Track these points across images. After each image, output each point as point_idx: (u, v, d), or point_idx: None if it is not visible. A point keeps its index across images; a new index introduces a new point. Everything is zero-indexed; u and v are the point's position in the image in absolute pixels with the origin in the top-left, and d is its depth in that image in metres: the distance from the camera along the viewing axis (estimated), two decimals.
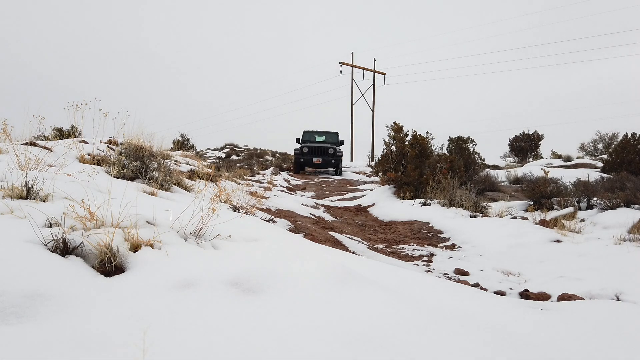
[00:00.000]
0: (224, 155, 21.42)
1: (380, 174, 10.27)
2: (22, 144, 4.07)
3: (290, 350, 1.29)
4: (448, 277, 3.76)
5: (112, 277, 1.73)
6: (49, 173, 3.18)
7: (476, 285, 3.44)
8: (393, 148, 9.27)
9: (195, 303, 1.53)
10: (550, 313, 2.19)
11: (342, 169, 17.31)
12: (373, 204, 8.15)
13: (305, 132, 17.64)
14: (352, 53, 26.67)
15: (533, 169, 11.92)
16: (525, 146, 20.14)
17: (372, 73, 27.57)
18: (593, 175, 10.08)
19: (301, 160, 15.80)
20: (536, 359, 1.51)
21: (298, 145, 16.75)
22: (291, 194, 9.06)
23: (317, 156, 15.81)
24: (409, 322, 1.57)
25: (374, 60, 27.74)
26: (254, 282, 1.71)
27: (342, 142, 17.24)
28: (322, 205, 8.09)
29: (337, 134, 17.69)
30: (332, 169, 16.69)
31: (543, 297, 3.06)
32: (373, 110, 27.43)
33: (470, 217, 6.14)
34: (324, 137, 17.42)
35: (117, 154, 4.77)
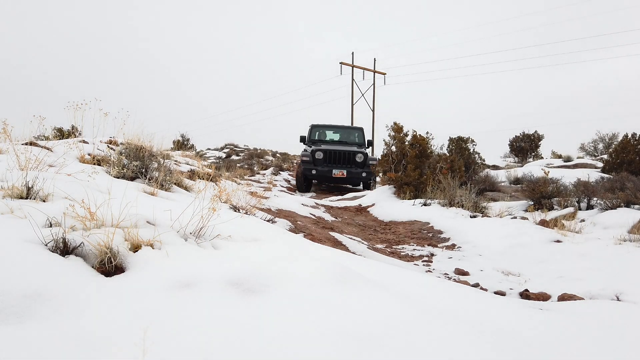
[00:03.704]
0: (224, 155, 21.42)
1: (380, 174, 10.27)
2: (22, 144, 4.07)
3: (290, 350, 1.29)
4: (448, 277, 3.76)
5: (112, 277, 1.74)
6: (49, 173, 3.18)
7: (476, 285, 3.44)
8: (393, 148, 9.27)
9: (196, 303, 1.53)
10: (551, 313, 2.19)
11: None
12: (373, 204, 8.15)
13: (314, 127, 11.69)
14: (352, 53, 26.67)
15: (533, 169, 11.92)
16: (525, 146, 20.14)
17: (372, 73, 27.57)
18: (593, 175, 10.08)
19: (313, 172, 9.87)
20: (536, 359, 1.51)
21: (304, 147, 11.13)
22: (291, 194, 9.06)
23: (339, 166, 9.97)
24: (410, 322, 1.57)
25: (374, 60, 27.74)
26: (254, 282, 1.71)
27: (370, 143, 11.65)
28: (322, 205, 8.08)
29: (361, 130, 11.77)
30: (359, 185, 11.12)
31: (543, 297, 3.06)
32: (373, 110, 27.43)
33: (471, 217, 6.13)
34: (339, 135, 11.73)
35: (117, 154, 4.77)
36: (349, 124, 25.53)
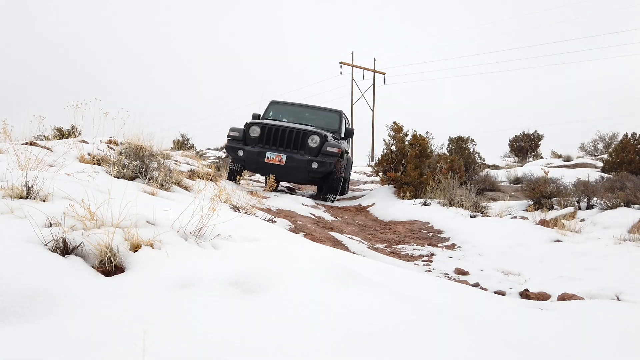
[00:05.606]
0: (224, 155, 21.42)
1: (380, 174, 10.28)
2: (22, 144, 4.07)
3: (290, 349, 1.29)
4: (448, 276, 3.76)
5: (112, 276, 1.74)
6: (49, 173, 3.18)
7: (476, 285, 3.44)
8: (393, 148, 9.27)
9: (196, 303, 1.53)
10: (551, 313, 2.19)
11: (342, 183, 8.58)
12: (373, 204, 8.15)
13: (272, 104, 8.54)
14: (352, 53, 26.68)
15: (533, 168, 11.91)
16: (525, 146, 20.15)
17: (372, 73, 27.57)
18: (593, 175, 10.08)
19: (239, 153, 6.89)
20: (536, 359, 1.51)
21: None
22: (291, 194, 9.06)
23: (277, 149, 6.86)
24: (409, 322, 1.57)
25: (374, 60, 27.75)
26: (254, 282, 1.71)
27: (350, 133, 8.49)
28: (322, 205, 8.08)
29: (339, 113, 8.57)
30: (304, 180, 7.70)
31: (543, 297, 3.06)
32: (373, 110, 27.44)
33: (470, 216, 6.14)
34: (309, 119, 8.41)
35: (117, 153, 4.77)
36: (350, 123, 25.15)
